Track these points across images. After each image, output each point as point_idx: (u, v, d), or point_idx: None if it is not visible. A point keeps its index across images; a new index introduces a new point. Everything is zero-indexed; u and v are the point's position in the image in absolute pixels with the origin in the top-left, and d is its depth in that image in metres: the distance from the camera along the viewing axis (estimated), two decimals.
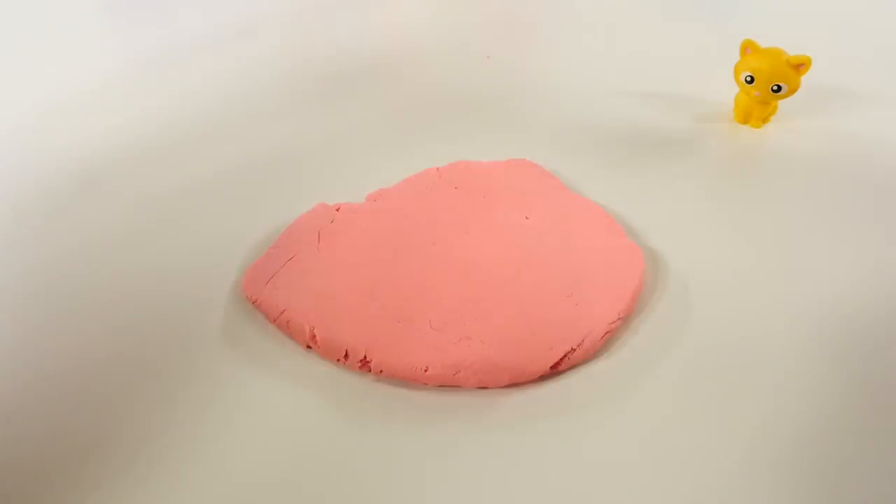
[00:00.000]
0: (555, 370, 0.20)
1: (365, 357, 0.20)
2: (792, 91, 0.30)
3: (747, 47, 0.31)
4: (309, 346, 0.21)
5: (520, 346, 0.20)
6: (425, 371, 0.20)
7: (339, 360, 0.21)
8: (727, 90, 0.33)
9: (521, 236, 0.25)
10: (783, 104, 0.33)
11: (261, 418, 0.19)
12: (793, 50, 0.30)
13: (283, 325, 0.21)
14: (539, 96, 0.37)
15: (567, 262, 0.24)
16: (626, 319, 0.22)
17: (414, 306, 0.22)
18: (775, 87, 0.30)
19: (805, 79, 0.30)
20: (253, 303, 0.23)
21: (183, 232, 0.26)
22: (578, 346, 0.21)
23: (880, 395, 0.20)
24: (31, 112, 0.35)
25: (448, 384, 0.20)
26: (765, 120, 0.33)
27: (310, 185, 0.29)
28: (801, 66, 0.30)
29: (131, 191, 0.28)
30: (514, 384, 0.20)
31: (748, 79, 0.30)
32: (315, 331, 0.21)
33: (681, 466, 0.18)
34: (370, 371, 0.20)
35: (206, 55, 0.42)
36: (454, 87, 0.38)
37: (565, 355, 0.20)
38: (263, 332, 0.22)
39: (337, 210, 0.26)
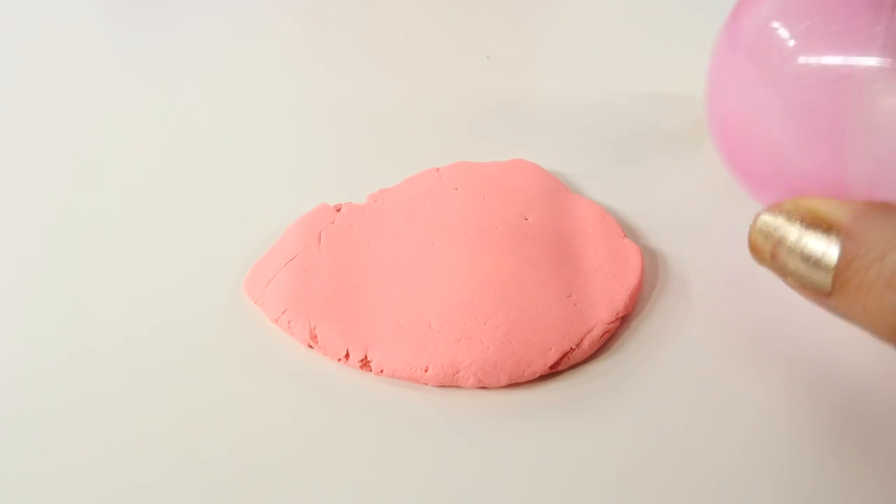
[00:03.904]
0: (554, 370, 0.21)
1: (365, 357, 0.20)
2: None
3: None
4: (310, 346, 0.21)
5: (519, 346, 0.20)
6: (425, 371, 0.20)
7: (339, 359, 0.21)
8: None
9: (520, 236, 0.25)
10: None
11: (261, 418, 0.19)
12: None
13: (284, 325, 0.22)
14: (539, 96, 0.37)
15: (566, 262, 0.24)
16: (625, 319, 0.22)
17: (414, 306, 0.22)
18: None
19: None
20: (254, 303, 0.23)
21: (183, 232, 0.26)
22: (577, 345, 0.21)
23: (882, 394, 0.20)
24: (30, 108, 0.35)
25: (448, 384, 0.20)
26: None
27: (310, 185, 0.29)
28: None
29: (131, 190, 0.29)
30: (514, 384, 0.20)
31: None
32: (316, 330, 0.21)
33: (681, 466, 0.18)
34: (370, 371, 0.20)
35: (205, 53, 0.42)
36: (454, 87, 0.38)
37: (564, 355, 0.20)
38: (263, 332, 0.22)
39: (338, 210, 0.26)
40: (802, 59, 0.20)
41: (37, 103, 0.36)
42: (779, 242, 0.16)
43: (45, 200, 0.28)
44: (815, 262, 0.15)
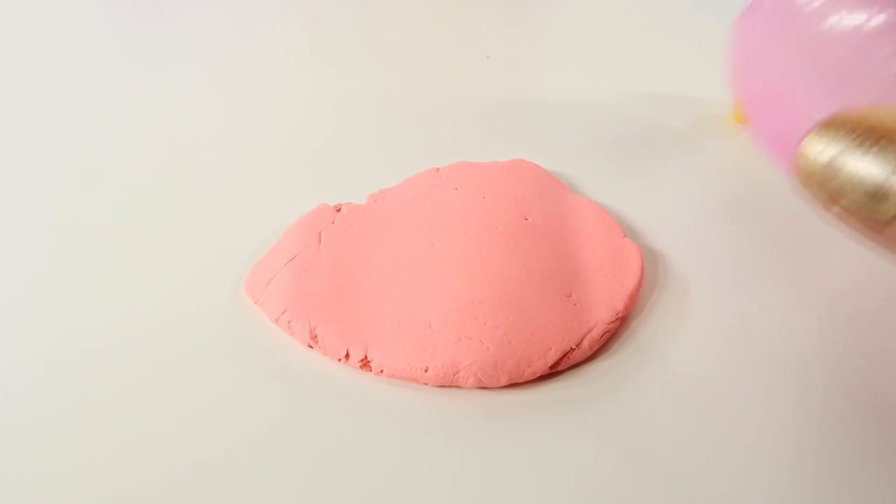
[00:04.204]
0: (554, 370, 0.21)
1: (365, 357, 0.20)
2: None
3: None
4: (310, 346, 0.21)
5: (519, 346, 0.20)
6: (425, 371, 0.20)
7: (339, 359, 0.21)
8: (727, 90, 0.33)
9: (520, 236, 0.25)
10: None
11: (261, 418, 0.19)
12: None
13: (284, 325, 0.22)
14: (539, 96, 0.37)
15: (566, 262, 0.24)
16: (625, 319, 0.22)
17: (414, 306, 0.22)
18: None
19: None
20: (254, 303, 0.23)
21: (183, 232, 0.26)
22: (577, 346, 0.21)
23: (882, 396, 0.20)
24: (30, 108, 0.35)
25: (448, 384, 0.20)
26: None
27: (310, 185, 0.29)
28: None
29: (132, 189, 0.29)
30: (514, 384, 0.20)
31: None
32: (316, 331, 0.21)
33: (681, 466, 0.18)
34: (370, 371, 0.20)
35: (205, 53, 0.42)
36: (454, 87, 0.38)
37: (564, 355, 0.20)
38: (263, 332, 0.22)
39: (338, 210, 0.26)
40: (833, 19, 0.20)
41: (37, 103, 0.36)
42: (835, 161, 0.13)
43: (46, 200, 0.28)
44: (879, 185, 0.13)
